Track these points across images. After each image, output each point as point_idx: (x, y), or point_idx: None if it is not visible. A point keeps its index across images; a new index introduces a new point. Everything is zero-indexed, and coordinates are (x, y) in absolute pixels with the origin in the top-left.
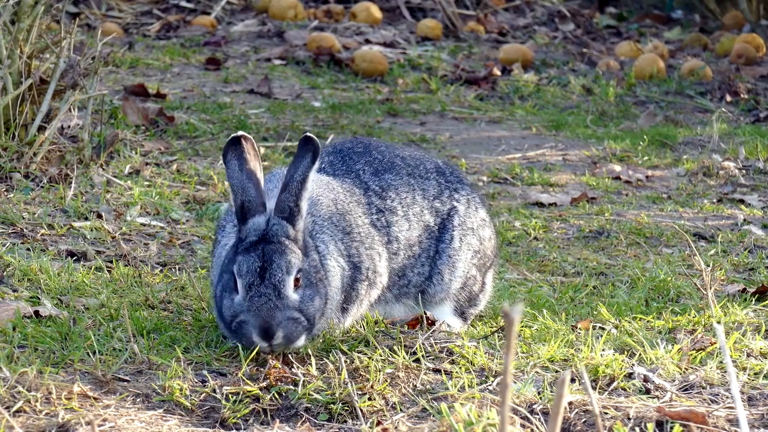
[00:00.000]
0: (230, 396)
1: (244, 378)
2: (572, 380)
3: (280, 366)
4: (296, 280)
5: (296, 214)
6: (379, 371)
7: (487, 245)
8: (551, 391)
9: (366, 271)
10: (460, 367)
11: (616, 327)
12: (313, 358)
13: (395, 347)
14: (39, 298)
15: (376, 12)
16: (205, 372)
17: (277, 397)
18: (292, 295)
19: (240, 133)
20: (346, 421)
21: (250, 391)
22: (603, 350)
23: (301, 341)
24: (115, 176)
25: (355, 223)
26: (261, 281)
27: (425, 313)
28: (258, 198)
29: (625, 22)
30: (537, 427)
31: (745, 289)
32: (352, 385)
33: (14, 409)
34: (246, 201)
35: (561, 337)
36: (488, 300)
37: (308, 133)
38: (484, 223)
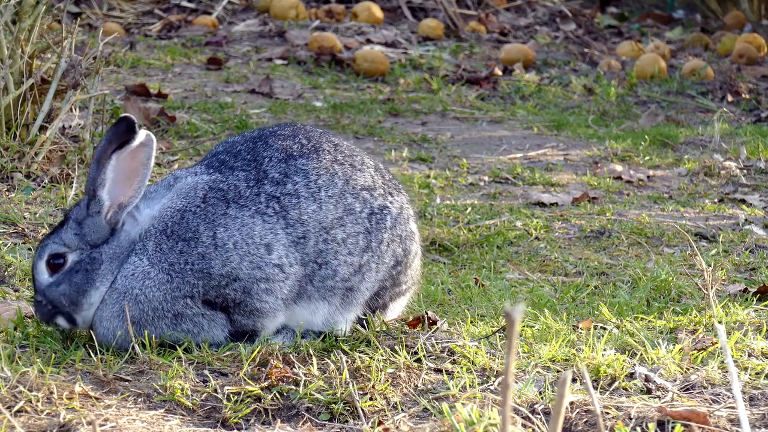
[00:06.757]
0: (231, 396)
1: (245, 378)
2: (573, 380)
3: (281, 366)
4: (57, 265)
5: (92, 199)
6: (381, 371)
7: (410, 261)
8: (553, 391)
9: (222, 277)
10: (462, 367)
11: (618, 327)
12: (314, 358)
13: (396, 347)
14: None
15: (378, 12)
16: (206, 372)
17: (279, 396)
18: (40, 278)
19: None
20: (347, 421)
21: (251, 391)
22: (604, 350)
23: (61, 323)
24: None
25: (205, 226)
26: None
27: (426, 314)
28: (95, 180)
29: (627, 22)
30: (538, 427)
31: (746, 288)
32: (353, 385)
33: (15, 408)
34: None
35: (562, 337)
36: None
37: (126, 114)
38: (413, 236)
